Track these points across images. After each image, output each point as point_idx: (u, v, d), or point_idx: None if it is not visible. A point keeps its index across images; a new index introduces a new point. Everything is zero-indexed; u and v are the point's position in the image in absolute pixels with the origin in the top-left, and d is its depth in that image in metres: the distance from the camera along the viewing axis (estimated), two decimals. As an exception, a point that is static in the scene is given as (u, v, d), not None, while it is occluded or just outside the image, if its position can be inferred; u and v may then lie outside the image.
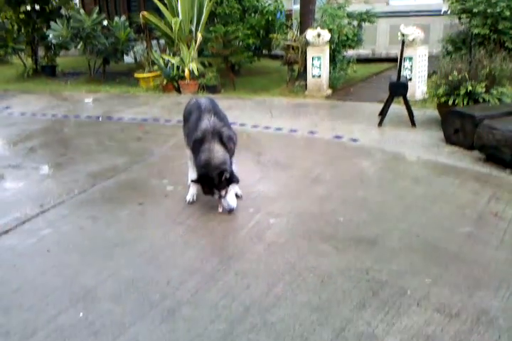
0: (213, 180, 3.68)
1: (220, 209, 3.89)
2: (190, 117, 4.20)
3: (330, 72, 8.33)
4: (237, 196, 4.14)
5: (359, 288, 2.78)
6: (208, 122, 3.94)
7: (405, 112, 6.34)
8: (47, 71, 11.55)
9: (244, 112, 7.26)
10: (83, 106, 8.35)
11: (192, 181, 3.92)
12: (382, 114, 6.34)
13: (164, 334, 2.48)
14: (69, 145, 6.04)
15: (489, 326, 2.42)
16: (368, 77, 9.57)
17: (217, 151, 3.81)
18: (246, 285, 2.86)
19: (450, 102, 5.61)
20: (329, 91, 8.21)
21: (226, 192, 3.74)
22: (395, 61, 10.56)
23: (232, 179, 3.78)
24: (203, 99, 4.39)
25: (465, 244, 3.22)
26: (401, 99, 6.32)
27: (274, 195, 4.17)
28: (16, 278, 3.09)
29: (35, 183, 4.72)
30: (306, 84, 8.37)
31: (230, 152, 3.95)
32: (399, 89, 6.11)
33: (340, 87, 8.52)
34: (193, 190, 4.16)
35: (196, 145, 3.89)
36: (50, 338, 2.49)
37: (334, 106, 7.50)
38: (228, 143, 3.90)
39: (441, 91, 5.70)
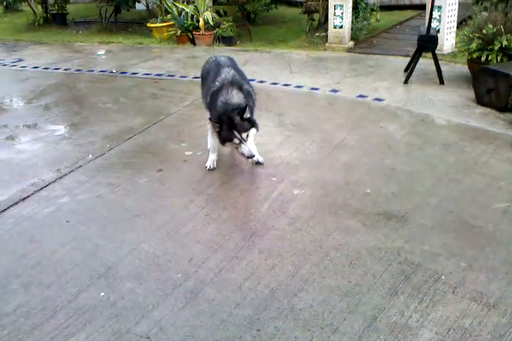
0: (233, 119, 3.38)
1: (243, 159, 3.71)
2: (209, 76, 3.88)
3: (352, 22, 7.75)
4: (259, 163, 3.91)
5: (390, 271, 2.60)
6: (226, 74, 3.67)
7: (433, 68, 5.88)
8: (58, 20, 10.98)
9: (262, 67, 6.84)
10: (96, 59, 7.94)
11: (210, 120, 3.57)
12: (409, 70, 5.89)
13: (188, 318, 2.35)
14: (83, 103, 5.76)
15: (530, 319, 2.24)
16: (392, 27, 8.92)
17: (236, 94, 3.54)
18: (271, 265, 2.70)
19: (483, 58, 5.15)
20: (351, 44, 7.67)
21: (247, 136, 3.44)
22: (419, 8, 9.87)
23: (254, 122, 3.51)
24: (222, 57, 4.05)
25: (501, 223, 2.99)
26: (429, 53, 5.85)
27: (296, 162, 3.92)
28: (35, 251, 2.95)
29: (51, 145, 4.51)
30: (326, 36, 7.82)
31: (252, 106, 3.68)
32: (428, 43, 5.62)
33: (363, 39, 7.96)
34: (213, 156, 3.92)
35: (214, 96, 3.60)
36: (71, 320, 2.38)
37: (357, 61, 7.02)
38: (247, 98, 3.61)
39: (473, 45, 5.23)
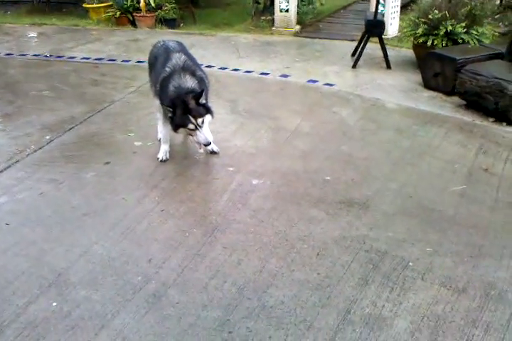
0: (188, 103, 3.16)
1: (199, 148, 3.58)
2: (158, 61, 3.62)
3: (298, 6, 7.62)
4: (214, 152, 3.73)
5: (358, 260, 2.54)
6: (177, 60, 3.44)
7: (379, 52, 5.89)
8: (-19, -1, 10.05)
9: (208, 51, 6.57)
10: (28, 42, 7.33)
11: (162, 105, 3.29)
12: (357, 54, 5.87)
13: (152, 325, 2.17)
14: (17, 90, 5.26)
15: (499, 302, 2.25)
16: (336, 11, 8.89)
17: (189, 79, 3.33)
18: (236, 261, 2.56)
19: (429, 43, 5.20)
20: (297, 27, 7.55)
21: (203, 122, 3.22)
22: (362, -7, 9.89)
23: (209, 108, 3.31)
24: (171, 41, 3.79)
25: (460, 205, 3.02)
26: (375, 38, 5.84)
27: (253, 150, 3.78)
28: (-28, 258, 2.65)
29: (-18, 139, 4.09)
30: (273, 19, 7.65)
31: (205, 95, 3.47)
32: (376, 28, 5.61)
33: (309, 23, 7.86)
34: (165, 147, 3.68)
35: (165, 82, 3.36)
36: (21, 336, 2.13)
37: (304, 45, 6.92)
38: (201, 83, 3.40)
39: (420, 30, 5.26)
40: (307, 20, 7.85)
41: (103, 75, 5.69)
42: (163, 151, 3.68)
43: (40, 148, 3.90)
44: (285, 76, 5.52)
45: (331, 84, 5.18)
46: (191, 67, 3.43)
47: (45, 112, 4.62)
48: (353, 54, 6.13)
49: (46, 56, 6.42)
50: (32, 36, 7.69)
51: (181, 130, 3.29)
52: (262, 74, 5.62)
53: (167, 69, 3.40)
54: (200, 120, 3.21)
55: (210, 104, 3.44)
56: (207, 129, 3.28)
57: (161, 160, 3.64)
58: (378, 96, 4.82)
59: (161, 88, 3.45)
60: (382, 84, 5.17)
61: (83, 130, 4.24)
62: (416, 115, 4.37)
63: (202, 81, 3.46)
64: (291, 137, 3.98)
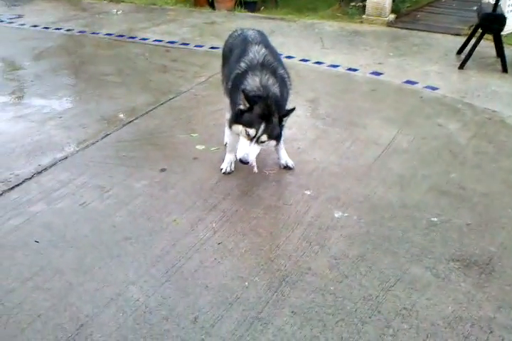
0: (271, 107, 2.49)
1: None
2: (232, 54, 2.93)
3: (394, -8, 6.61)
4: (287, 167, 3.03)
5: None
6: (256, 54, 2.72)
7: (491, 52, 4.88)
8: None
9: (289, 39, 5.79)
10: (103, 20, 6.89)
11: (243, 92, 2.49)
12: (467, 53, 4.85)
13: None
14: (82, 72, 4.80)
15: None
16: (437, 0, 7.72)
17: (269, 79, 2.62)
18: (309, 337, 1.86)
19: None
20: (392, 17, 6.55)
21: (263, 142, 2.54)
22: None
23: (281, 135, 2.63)
24: (251, 30, 3.07)
25: None
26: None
27: (335, 169, 3.02)
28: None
29: (35, 127, 3.62)
30: (364, 6, 6.69)
31: (286, 93, 2.74)
32: (494, 23, 4.55)
33: (405, 12, 6.81)
34: (230, 156, 3.02)
35: (238, 81, 2.67)
36: None
37: (400, 37, 5.94)
38: (282, 86, 2.68)
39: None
40: (403, 9, 6.80)
41: (173, 61, 5.10)
42: (227, 161, 3.02)
43: (93, 144, 3.37)
44: (377, 74, 4.65)
45: (433, 88, 4.26)
46: (272, 64, 2.71)
47: (106, 100, 4.11)
48: (459, 51, 5.11)
49: (119, 36, 5.95)
50: (108, 14, 7.26)
51: (237, 128, 2.58)
52: (350, 69, 4.78)
53: (242, 64, 2.70)
54: (264, 136, 2.51)
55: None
56: (256, 148, 2.56)
57: (224, 172, 2.99)
58: (495, 107, 3.85)
59: (232, 87, 2.77)
60: (499, 92, 4.17)
61: (143, 125, 3.67)
62: (546, 138, 3.39)
63: (283, 83, 2.73)
64: (385, 154, 3.17)
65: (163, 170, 3.05)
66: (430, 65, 4.88)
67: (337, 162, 3.09)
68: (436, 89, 4.24)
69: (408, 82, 4.42)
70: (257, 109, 2.49)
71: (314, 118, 3.71)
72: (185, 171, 3.03)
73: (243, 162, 2.53)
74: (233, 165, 3.02)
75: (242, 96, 2.48)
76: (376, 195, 2.73)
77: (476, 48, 4.89)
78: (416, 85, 4.34)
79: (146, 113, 3.86)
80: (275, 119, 2.49)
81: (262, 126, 2.49)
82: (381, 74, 4.64)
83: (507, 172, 2.94)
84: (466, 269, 2.16)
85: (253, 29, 3.13)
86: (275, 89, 2.56)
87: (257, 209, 2.65)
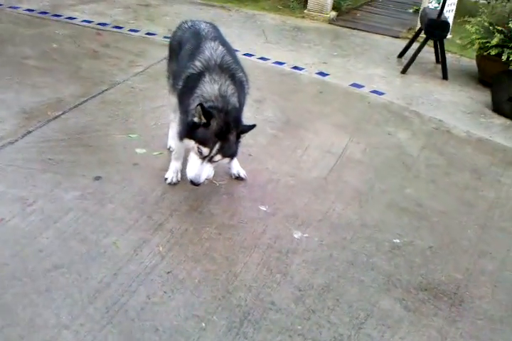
0: (228, 123, 2.15)
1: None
2: (183, 49, 2.55)
3: (335, -11, 6.46)
4: (239, 178, 2.73)
5: None
6: (213, 52, 2.36)
7: (430, 56, 4.90)
8: None
9: (231, 30, 5.39)
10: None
11: (199, 106, 2.10)
12: (407, 57, 4.82)
13: None
14: (-3, 54, 4.12)
15: None
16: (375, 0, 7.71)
17: (229, 85, 2.27)
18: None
19: (504, 57, 4.15)
20: (333, 14, 6.38)
21: (217, 161, 2.23)
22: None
23: (236, 151, 2.31)
24: (203, 23, 2.70)
25: None
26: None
27: (290, 180, 2.78)
28: None
29: None
30: (305, 1, 6.48)
31: (243, 98, 2.41)
32: (438, 29, 4.52)
33: (346, 10, 6.68)
34: (176, 165, 2.65)
35: (191, 83, 2.30)
36: None
37: (342, 36, 5.79)
38: (240, 93, 2.35)
39: (494, 41, 4.20)
40: (344, 7, 6.68)
41: (105, 46, 4.53)
42: (173, 170, 2.65)
43: (11, 143, 2.83)
44: (323, 74, 4.46)
45: (379, 93, 4.15)
46: (230, 66, 2.36)
47: (27, 89, 3.51)
48: (400, 55, 5.08)
49: (42, 13, 5.20)
50: None
51: (188, 143, 2.24)
52: (295, 68, 4.55)
53: (197, 63, 2.33)
54: (219, 156, 2.19)
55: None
56: (209, 168, 2.24)
57: (169, 183, 2.63)
58: (440, 116, 3.81)
59: (184, 88, 2.39)
60: (442, 100, 4.15)
61: (72, 121, 3.16)
62: (492, 151, 3.37)
63: (242, 88, 2.40)
64: (339, 165, 2.98)
65: (97, 178, 2.61)
66: (373, 67, 4.78)
67: (291, 173, 2.85)
68: (382, 94, 4.14)
69: (355, 85, 4.28)
70: (214, 126, 2.14)
71: (264, 121, 3.43)
72: (125, 180, 2.62)
73: (194, 183, 2.19)
74: (179, 175, 2.66)
75: (198, 109, 2.12)
76: (335, 213, 2.53)
77: (413, 52, 4.89)
78: (362, 89, 4.21)
79: (76, 106, 3.34)
80: (232, 137, 2.18)
81: (217, 145, 2.15)
82: (327, 74, 4.46)
83: (461, 188, 2.88)
84: (436, 300, 2.03)
85: (205, 22, 2.75)
86: (234, 99, 2.23)
87: (209, 228, 2.33)
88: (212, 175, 2.28)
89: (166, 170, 2.67)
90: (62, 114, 3.24)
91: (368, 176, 2.89)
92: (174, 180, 2.63)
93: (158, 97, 3.48)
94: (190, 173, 2.19)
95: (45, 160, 2.71)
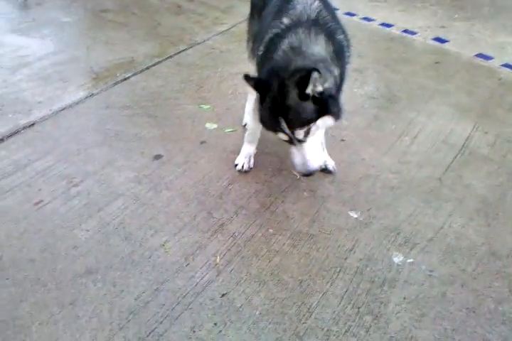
0: (285, 94, 1.50)
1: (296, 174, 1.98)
2: (268, 2, 1.91)
3: None
4: (326, 170, 2.11)
5: None
6: (306, 7, 1.70)
7: None
8: None
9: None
10: None
11: (246, 79, 1.54)
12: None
13: None
14: (77, 5, 3.73)
15: None
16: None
17: (323, 45, 1.63)
18: None
19: None
20: (456, -32, 5.22)
21: (307, 134, 1.57)
22: None
23: (333, 104, 1.56)
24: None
25: None
26: None
27: (394, 179, 2.08)
28: None
29: (1, 75, 2.68)
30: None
31: (342, 68, 1.72)
32: None
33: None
34: (249, 148, 2.09)
35: (274, 44, 1.67)
36: None
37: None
38: (339, 56, 1.68)
39: None
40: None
41: (190, 0, 3.98)
42: (245, 155, 2.09)
43: (71, 107, 2.44)
44: (441, 40, 3.55)
45: (515, 67, 3.21)
46: (328, 24, 1.69)
47: (100, 45, 3.10)
48: (542, 20, 3.95)
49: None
50: None
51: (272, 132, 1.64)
52: (406, 32, 3.67)
53: (285, 21, 1.69)
54: (300, 131, 1.53)
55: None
56: (314, 146, 1.60)
57: (239, 170, 2.09)
58: None
59: (265, 53, 1.77)
60: None
61: (140, 85, 2.70)
62: None
63: (341, 51, 1.73)
64: (459, 162, 2.23)
65: (157, 157, 2.14)
66: (506, 34, 3.75)
67: (394, 168, 2.16)
68: (520, 69, 3.19)
69: (481, 55, 3.34)
70: (267, 103, 1.53)
71: (363, 96, 2.72)
72: (188, 162, 2.12)
73: (307, 174, 1.61)
74: (252, 161, 2.10)
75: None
76: (452, 230, 1.83)
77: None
78: (491, 61, 3.27)
79: (147, 68, 2.87)
80: (298, 97, 1.49)
81: (284, 123, 1.52)
82: (446, 41, 3.54)
83: None
84: None
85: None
86: (320, 50, 1.58)
87: (281, 236, 1.77)
88: (322, 160, 1.68)
89: (238, 152, 2.13)
90: (133, 75, 2.79)
91: (499, 180, 2.12)
92: (246, 166, 2.08)
93: (240, 61, 2.89)
94: (298, 167, 1.61)
95: (103, 130, 2.28)
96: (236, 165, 2.09)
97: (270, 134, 1.62)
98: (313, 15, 1.68)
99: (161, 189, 1.95)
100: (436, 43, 3.52)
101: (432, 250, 1.74)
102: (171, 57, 3.03)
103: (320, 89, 1.51)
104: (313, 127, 1.55)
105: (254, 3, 2.09)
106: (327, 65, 1.60)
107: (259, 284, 1.58)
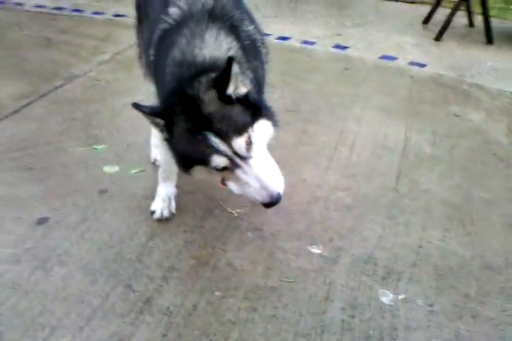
0: (200, 101, 1.11)
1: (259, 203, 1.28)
2: (153, 3, 1.51)
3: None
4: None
5: None
6: None
7: (459, 20, 3.89)
8: None
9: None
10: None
11: (136, 108, 1.21)
12: (434, 23, 3.81)
13: None
14: None
15: None
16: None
17: (225, 39, 1.26)
18: None
19: None
20: (332, -17, 5.34)
21: (249, 144, 1.13)
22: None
23: (262, 106, 1.23)
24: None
25: None
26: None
27: (346, 197, 1.75)
28: None
29: None
30: (298, -30, 5.42)
31: (259, 69, 1.39)
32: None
33: (346, -22, 5.64)
34: (166, 188, 1.63)
35: (165, 44, 1.30)
36: None
37: (344, 4, 4.70)
38: (249, 50, 1.32)
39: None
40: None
41: (62, 32, 3.45)
42: (162, 198, 1.61)
43: None
44: (342, 47, 3.43)
45: (419, 64, 3.14)
46: (231, 13, 1.33)
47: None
48: (425, 21, 4.06)
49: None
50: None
51: (199, 171, 1.21)
52: (306, 43, 3.51)
53: (173, 12, 1.30)
54: (240, 141, 1.12)
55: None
56: (266, 161, 1.21)
57: (158, 218, 1.60)
58: (509, 88, 2.82)
59: (157, 57, 1.35)
60: (499, 68, 3.14)
61: (9, 132, 2.11)
62: None
63: (253, 45, 1.37)
64: (408, 166, 1.97)
65: (42, 220, 1.58)
66: (399, 35, 3.76)
67: (342, 184, 1.83)
68: (424, 65, 3.12)
69: (385, 57, 3.25)
70: (181, 122, 1.16)
71: (283, 111, 2.38)
72: (86, 220, 1.58)
73: (272, 201, 1.17)
74: (173, 205, 1.63)
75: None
76: (432, 246, 1.51)
77: (438, 16, 3.90)
78: (397, 61, 3.19)
79: (16, 111, 2.29)
80: (220, 99, 1.12)
81: (215, 138, 1.10)
82: (346, 47, 3.43)
83: None
84: None
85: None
86: (222, 52, 1.21)
87: (233, 298, 1.31)
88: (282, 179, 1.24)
89: (152, 196, 1.65)
90: (1, 120, 2.20)
91: (456, 180, 1.89)
92: (166, 213, 1.60)
93: (134, 90, 2.45)
94: (258, 195, 1.16)
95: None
96: (153, 212, 1.60)
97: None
98: (209, 3, 1.31)
99: (52, 266, 1.40)
100: (338, 50, 3.38)
101: (421, 277, 1.40)
102: (44, 95, 2.48)
103: (243, 90, 1.15)
104: (254, 135, 1.15)
105: (139, 6, 1.67)
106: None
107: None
